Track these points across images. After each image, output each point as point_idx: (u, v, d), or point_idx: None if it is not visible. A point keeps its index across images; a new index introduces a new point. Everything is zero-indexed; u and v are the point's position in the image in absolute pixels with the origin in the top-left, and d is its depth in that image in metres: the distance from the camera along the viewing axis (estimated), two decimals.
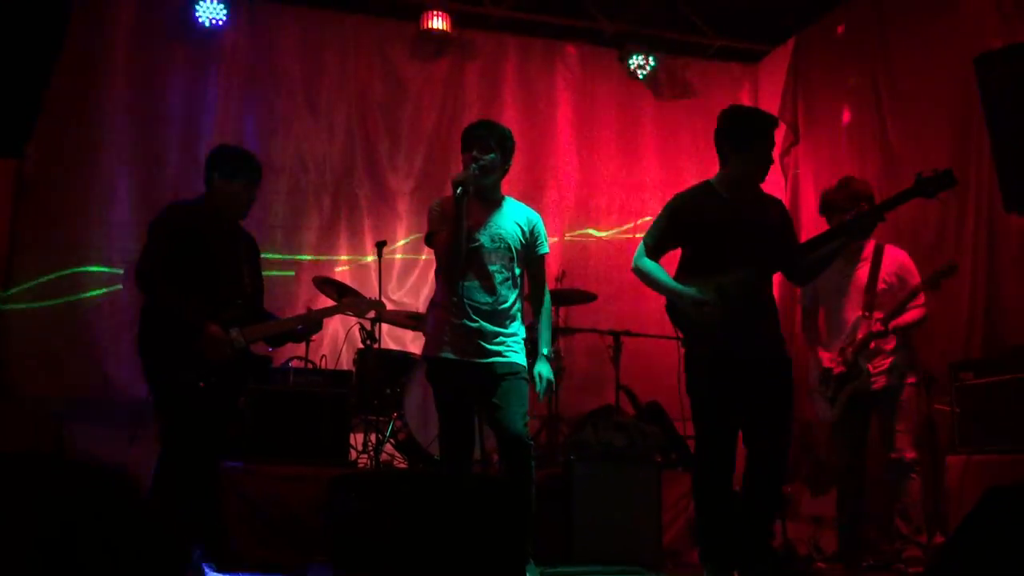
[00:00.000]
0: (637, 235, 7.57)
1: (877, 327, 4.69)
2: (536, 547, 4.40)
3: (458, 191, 3.76)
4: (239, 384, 3.92)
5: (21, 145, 3.65)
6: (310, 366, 5.81)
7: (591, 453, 5.15)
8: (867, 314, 4.75)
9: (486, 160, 3.88)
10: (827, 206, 4.89)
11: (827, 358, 4.80)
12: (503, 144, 3.97)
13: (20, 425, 4.83)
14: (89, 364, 5.98)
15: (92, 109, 6.57)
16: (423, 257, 7.16)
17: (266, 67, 7.04)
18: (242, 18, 6.94)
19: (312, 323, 4.08)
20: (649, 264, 4.03)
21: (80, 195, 6.47)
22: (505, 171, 4.04)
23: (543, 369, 4.02)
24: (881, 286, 4.79)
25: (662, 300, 4.21)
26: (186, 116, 6.80)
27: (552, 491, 5.02)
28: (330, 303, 6.00)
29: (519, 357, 3.95)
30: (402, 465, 5.75)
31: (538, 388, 4.01)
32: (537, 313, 4.11)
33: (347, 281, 6.53)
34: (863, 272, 4.82)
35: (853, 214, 4.48)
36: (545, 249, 4.12)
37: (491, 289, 3.88)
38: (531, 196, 7.24)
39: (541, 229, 4.10)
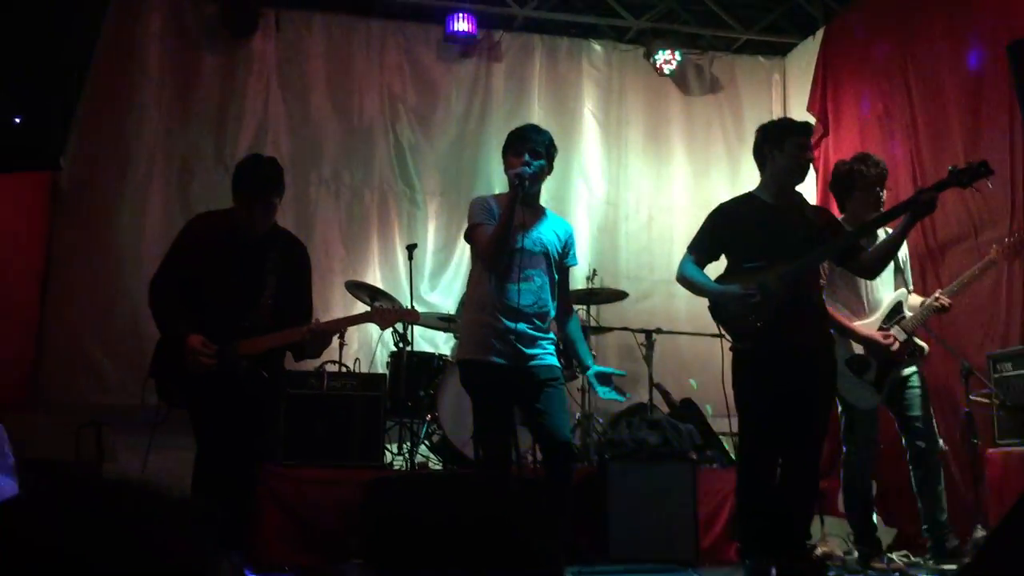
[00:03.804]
0: (667, 232, 7.57)
1: (944, 302, 4.56)
2: (573, 546, 4.41)
3: (516, 183, 3.80)
4: (256, 395, 3.83)
5: (56, 157, 3.68)
6: (344, 369, 5.85)
7: (626, 452, 5.15)
8: (910, 290, 4.71)
9: (538, 165, 3.90)
10: (849, 182, 4.71)
11: (880, 335, 4.53)
12: (550, 151, 3.99)
13: (61, 433, 4.90)
14: (128, 371, 6.05)
15: (124, 118, 6.67)
16: (454, 257, 7.18)
17: (296, 73, 7.10)
18: (270, 26, 7.00)
19: (319, 336, 3.88)
20: (692, 270, 4.08)
21: (114, 203, 6.57)
22: (546, 178, 4.05)
23: (603, 368, 4.03)
24: (902, 266, 4.72)
25: (694, 298, 4.23)
26: (217, 124, 6.88)
27: (587, 490, 5.02)
28: (361, 306, 6.06)
29: (555, 360, 3.96)
30: (437, 467, 5.77)
31: (604, 393, 4.01)
32: (565, 325, 4.10)
33: (379, 284, 6.57)
34: None
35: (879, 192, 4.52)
36: (575, 262, 4.15)
37: (534, 293, 3.88)
38: (560, 194, 7.25)
39: (574, 242, 4.14)
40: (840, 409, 4.76)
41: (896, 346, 4.52)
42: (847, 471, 4.76)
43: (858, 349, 4.59)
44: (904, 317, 4.61)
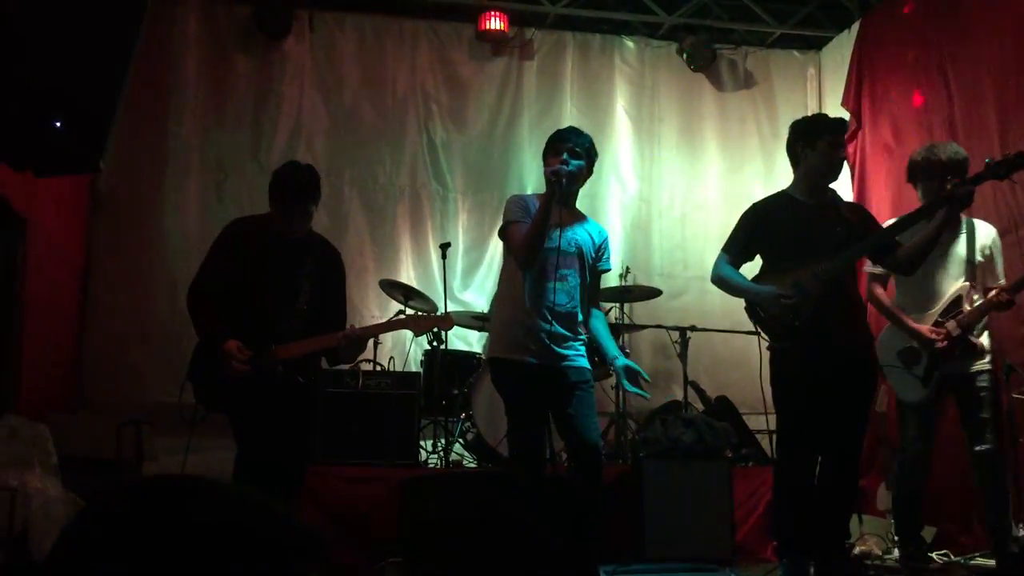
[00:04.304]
0: (700, 228, 7.53)
1: (1004, 297, 4.29)
2: (608, 545, 4.40)
3: (552, 180, 3.81)
4: (291, 400, 3.82)
5: (96, 161, 3.72)
6: (379, 368, 5.88)
7: (660, 450, 5.13)
8: (973, 285, 4.42)
9: (576, 165, 3.90)
10: (915, 171, 4.58)
11: (927, 330, 4.36)
12: (590, 153, 3.99)
13: (102, 432, 4.97)
14: (167, 370, 6.12)
15: (161, 120, 6.75)
16: (487, 255, 7.19)
17: (329, 73, 7.16)
18: (304, 27, 7.06)
19: (354, 342, 3.86)
20: (727, 270, 4.05)
21: (152, 204, 6.67)
22: (584, 181, 4.05)
23: (629, 362, 3.96)
24: (978, 258, 4.47)
25: (728, 295, 4.21)
26: (252, 124, 6.95)
27: (622, 489, 5.02)
28: (395, 305, 6.09)
29: (586, 362, 3.96)
30: (471, 465, 5.79)
31: (629, 387, 3.93)
32: (590, 321, 4.06)
33: (412, 282, 6.60)
34: (959, 242, 4.47)
35: (944, 183, 4.31)
36: (609, 266, 4.15)
37: (568, 292, 3.89)
38: (593, 192, 7.23)
39: (609, 246, 4.14)
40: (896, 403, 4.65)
41: (944, 341, 4.35)
42: (898, 466, 4.61)
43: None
44: (962, 312, 4.40)
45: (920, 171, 4.53)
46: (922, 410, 4.50)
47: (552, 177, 3.82)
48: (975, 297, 4.41)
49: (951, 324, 4.37)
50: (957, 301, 4.43)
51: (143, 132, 6.64)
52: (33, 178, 4.31)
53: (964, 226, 4.51)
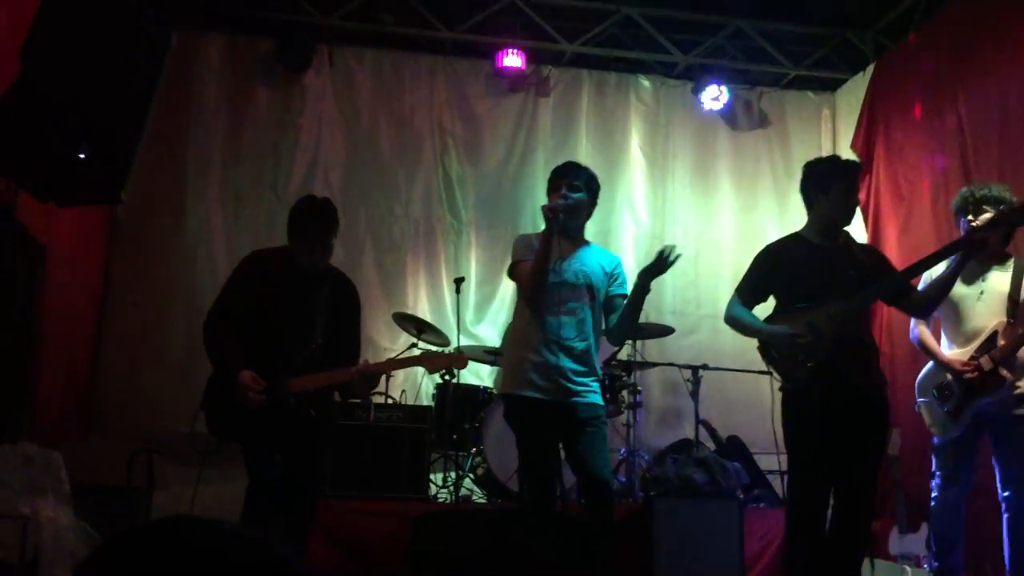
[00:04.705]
0: (713, 267, 7.54)
1: None
2: None
3: (549, 217, 3.84)
4: (303, 432, 3.84)
5: (119, 191, 3.78)
6: (390, 401, 5.89)
7: (671, 489, 5.11)
8: (1011, 321, 4.33)
9: (575, 199, 3.95)
10: (955, 211, 4.55)
11: (958, 362, 4.32)
12: (590, 186, 4.04)
13: (115, 459, 4.98)
14: (182, 398, 6.13)
15: (181, 150, 6.84)
16: (500, 289, 7.21)
17: (347, 107, 7.24)
18: (324, 62, 7.15)
19: (367, 377, 3.87)
20: (740, 311, 4.05)
21: (170, 233, 6.73)
22: (590, 213, 4.10)
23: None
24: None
25: (740, 334, 4.21)
26: (271, 156, 7.03)
27: (633, 527, 4.99)
28: (407, 338, 6.10)
29: (598, 398, 3.96)
30: (482, 500, 5.77)
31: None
32: (611, 328, 4.05)
33: (426, 315, 6.62)
34: (1002, 279, 4.42)
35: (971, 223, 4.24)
36: (626, 290, 4.09)
37: (576, 326, 3.90)
38: (606, 228, 7.26)
39: (623, 271, 4.14)
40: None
41: (974, 374, 4.28)
42: (932, 508, 4.52)
43: None
44: (996, 347, 4.32)
45: (959, 211, 4.52)
46: (952, 448, 4.42)
47: (549, 214, 3.86)
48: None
49: (984, 359, 4.31)
50: (992, 337, 4.36)
51: (163, 161, 6.72)
52: (54, 207, 4.36)
53: (1013, 264, 4.45)
